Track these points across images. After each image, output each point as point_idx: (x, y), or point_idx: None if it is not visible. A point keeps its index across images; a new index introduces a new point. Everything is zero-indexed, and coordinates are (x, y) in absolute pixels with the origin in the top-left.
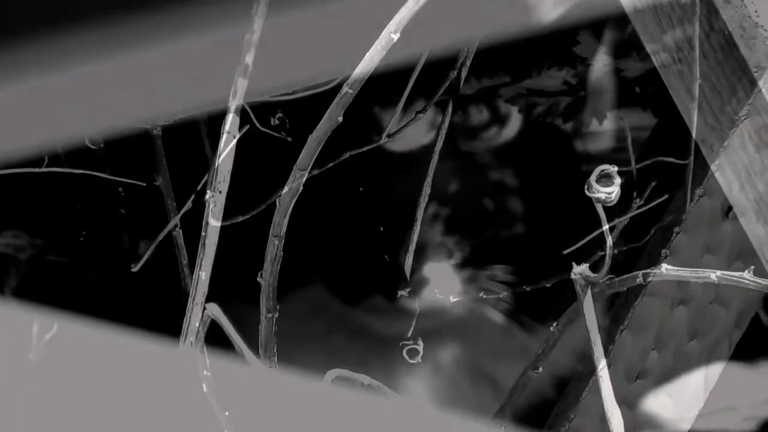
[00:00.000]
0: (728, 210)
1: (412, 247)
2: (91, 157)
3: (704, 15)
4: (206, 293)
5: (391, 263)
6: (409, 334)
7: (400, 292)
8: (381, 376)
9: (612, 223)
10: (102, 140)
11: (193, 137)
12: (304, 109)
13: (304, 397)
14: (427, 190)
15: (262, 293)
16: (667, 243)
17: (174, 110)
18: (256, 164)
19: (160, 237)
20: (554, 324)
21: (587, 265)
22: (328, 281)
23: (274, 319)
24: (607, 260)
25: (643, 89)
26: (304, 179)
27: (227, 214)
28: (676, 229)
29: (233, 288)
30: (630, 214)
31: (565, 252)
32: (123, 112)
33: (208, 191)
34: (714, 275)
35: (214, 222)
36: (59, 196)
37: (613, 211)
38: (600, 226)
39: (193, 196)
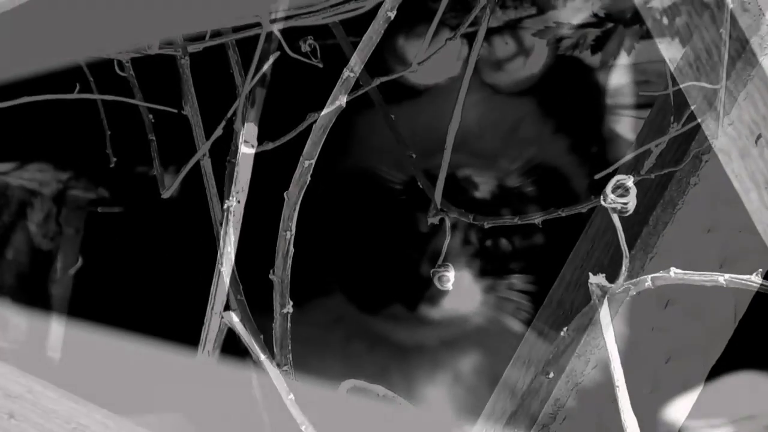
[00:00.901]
0: (758, 137)
1: (443, 174)
2: (121, 84)
3: (722, 23)
4: (224, 301)
5: (412, 273)
6: (440, 261)
7: (429, 220)
8: (401, 384)
9: (649, 145)
10: (131, 67)
11: (222, 64)
12: (335, 35)
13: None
14: (457, 116)
15: (274, 290)
16: (696, 171)
17: (202, 35)
18: (287, 90)
19: (189, 165)
20: (565, 329)
21: (603, 275)
22: (348, 290)
23: (289, 316)
24: (624, 269)
25: (670, 20)
26: (311, 171)
27: (257, 141)
28: (705, 157)
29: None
30: (667, 137)
31: (597, 176)
32: (151, 33)
33: (226, 201)
34: (722, 278)
35: (233, 232)
36: (88, 124)
37: (653, 134)
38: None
39: (223, 123)
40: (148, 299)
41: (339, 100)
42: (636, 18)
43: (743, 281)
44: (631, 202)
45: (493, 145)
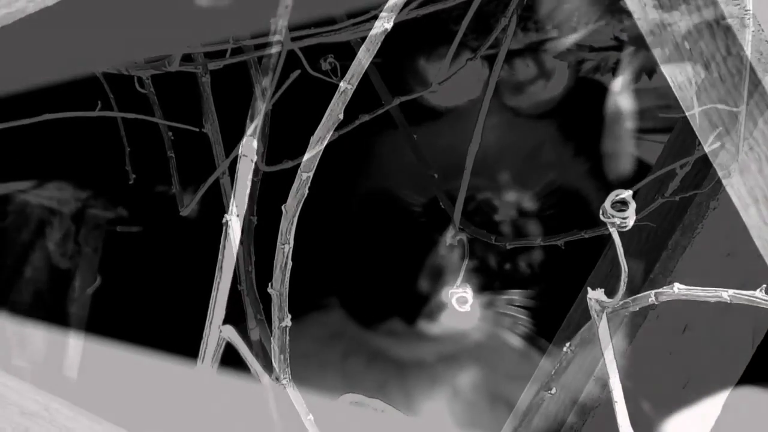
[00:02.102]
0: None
1: (462, 195)
2: (141, 101)
3: (721, 38)
4: (223, 316)
5: (410, 288)
6: (458, 282)
7: (449, 240)
8: (399, 399)
9: (672, 166)
10: (151, 84)
11: (243, 81)
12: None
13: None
14: (477, 138)
15: (273, 304)
16: (717, 195)
17: (223, 52)
18: (307, 109)
19: (208, 183)
20: (567, 344)
21: (602, 290)
22: (347, 304)
23: (287, 329)
24: (622, 285)
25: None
26: (309, 183)
27: (276, 160)
28: (726, 181)
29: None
30: (693, 157)
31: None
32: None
33: (225, 215)
34: (726, 294)
35: (231, 246)
36: (108, 141)
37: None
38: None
39: (243, 141)
40: (166, 318)
41: (336, 112)
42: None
43: (747, 297)
44: (630, 216)
45: (514, 167)
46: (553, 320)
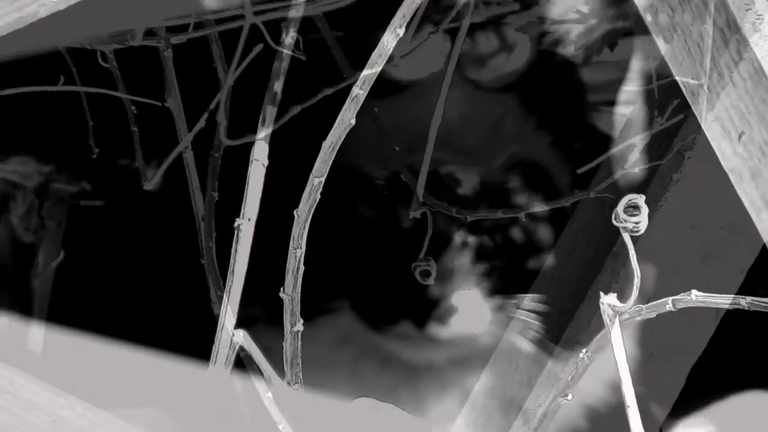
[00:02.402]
0: (740, 135)
1: (425, 169)
2: (104, 76)
3: (733, 43)
4: (235, 320)
5: (421, 291)
6: (422, 255)
7: (411, 213)
8: (410, 403)
9: (633, 139)
10: (114, 58)
11: (205, 57)
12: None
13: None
14: (440, 111)
15: (285, 308)
16: (679, 167)
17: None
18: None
19: (171, 157)
20: (584, 350)
21: (615, 294)
22: (357, 307)
23: (299, 334)
24: (635, 289)
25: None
26: (321, 188)
27: (240, 134)
28: (688, 153)
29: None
30: (652, 131)
31: (579, 171)
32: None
33: (237, 219)
34: (744, 301)
35: (243, 250)
36: (71, 116)
37: (635, 130)
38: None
39: (206, 115)
40: (129, 292)
41: (348, 117)
42: (619, 14)
43: (764, 304)
44: (642, 221)
45: (476, 140)
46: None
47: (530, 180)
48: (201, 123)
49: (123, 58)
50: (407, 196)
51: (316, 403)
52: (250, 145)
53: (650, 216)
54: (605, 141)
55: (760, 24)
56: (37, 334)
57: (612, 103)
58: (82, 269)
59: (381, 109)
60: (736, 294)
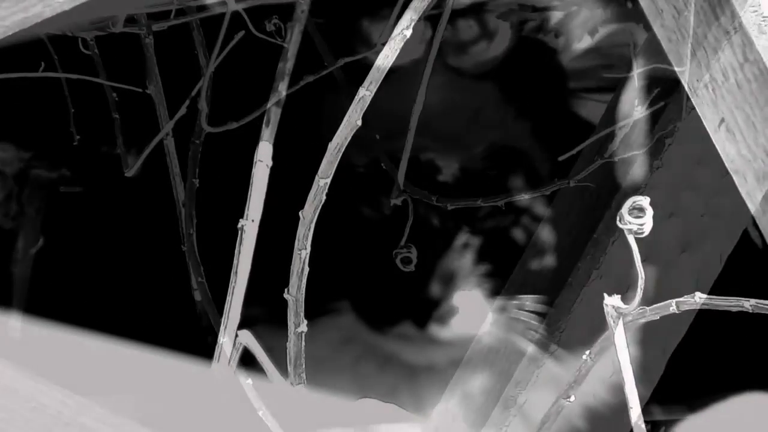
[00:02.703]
0: (721, 122)
1: (405, 156)
2: (85, 63)
3: (738, 45)
4: (239, 321)
5: (421, 292)
6: (403, 242)
7: (393, 201)
8: (410, 404)
9: (613, 127)
10: (95, 45)
11: (186, 44)
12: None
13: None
14: (421, 98)
15: (289, 309)
16: (659, 154)
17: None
18: (251, 70)
19: (153, 144)
20: (587, 352)
21: (619, 296)
22: (359, 307)
23: (303, 335)
24: (639, 291)
25: (634, 3)
26: (326, 189)
27: (220, 122)
28: (668, 141)
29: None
30: (631, 119)
31: (561, 158)
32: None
33: (241, 220)
34: (748, 304)
35: (246, 251)
36: (52, 102)
37: (615, 118)
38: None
39: (187, 102)
40: (109, 279)
41: (354, 118)
42: (600, 1)
43: None
44: (647, 223)
45: (456, 128)
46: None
47: (510, 168)
48: (182, 110)
49: (104, 44)
50: (388, 184)
51: (320, 403)
52: (231, 131)
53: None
54: (586, 128)
55: (765, 26)
56: (15, 320)
57: (592, 90)
58: (62, 255)
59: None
60: (715, 285)
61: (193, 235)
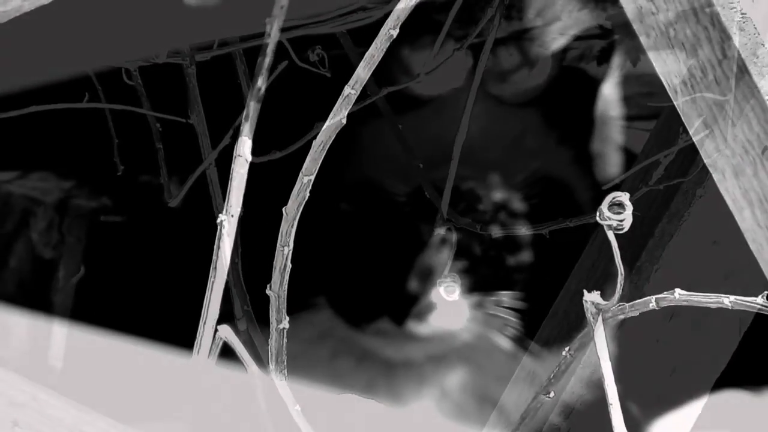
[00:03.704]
0: (764, 150)
1: (449, 185)
2: (129, 93)
3: (716, 41)
4: (217, 316)
5: (399, 288)
6: (446, 271)
7: (437, 230)
8: (387, 400)
9: (658, 156)
10: (138, 75)
11: (229, 73)
12: (342, 45)
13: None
14: (464, 127)
15: (271, 305)
16: (703, 183)
17: (210, 44)
18: (295, 99)
19: (197, 174)
20: (566, 348)
21: (598, 292)
22: (336, 304)
23: (285, 331)
24: (619, 287)
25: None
26: (310, 187)
27: (263, 151)
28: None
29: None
30: (676, 147)
31: (605, 187)
32: (158, 45)
33: (219, 215)
34: (727, 300)
35: (226, 245)
36: (96, 133)
37: (658, 146)
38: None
39: (230, 132)
40: (150, 308)
41: (339, 116)
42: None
43: (748, 303)
44: (627, 219)
45: (497, 156)
46: (540, 320)
47: (551, 196)
48: (226, 140)
49: (148, 75)
50: (426, 212)
51: (303, 398)
52: (275, 162)
53: (673, 232)
54: (628, 156)
55: (744, 23)
56: (57, 349)
57: (634, 118)
58: (103, 285)
59: (403, 124)
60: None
61: (239, 264)
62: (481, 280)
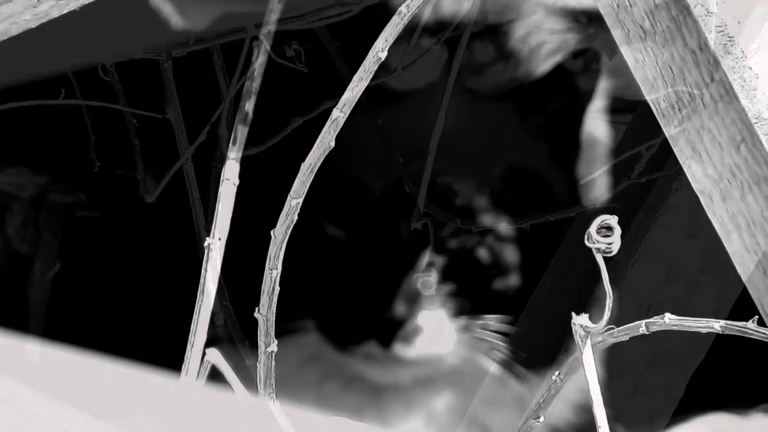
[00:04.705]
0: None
1: (426, 179)
2: (105, 89)
3: (704, 65)
4: (205, 339)
5: (385, 311)
6: (423, 265)
7: (413, 224)
8: (375, 423)
9: (639, 148)
10: (114, 71)
11: (206, 69)
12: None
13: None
14: (441, 122)
15: (259, 328)
16: (679, 175)
17: (186, 40)
18: (271, 95)
19: (174, 169)
20: (556, 373)
21: (587, 315)
22: (323, 327)
23: (273, 354)
24: (607, 310)
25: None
26: (298, 210)
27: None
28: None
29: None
30: (659, 140)
31: (583, 181)
32: (135, 41)
33: (207, 238)
34: (718, 325)
35: (212, 272)
36: (72, 129)
37: (635, 140)
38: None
39: (207, 128)
40: (127, 303)
41: (327, 140)
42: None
43: (739, 327)
44: (615, 242)
45: (473, 150)
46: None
47: (527, 190)
48: (203, 136)
49: (124, 70)
50: (404, 206)
51: (294, 420)
52: (250, 156)
53: (650, 225)
54: (603, 150)
55: (731, 46)
56: (33, 345)
57: (612, 111)
58: (79, 280)
59: (379, 118)
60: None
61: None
62: (468, 304)
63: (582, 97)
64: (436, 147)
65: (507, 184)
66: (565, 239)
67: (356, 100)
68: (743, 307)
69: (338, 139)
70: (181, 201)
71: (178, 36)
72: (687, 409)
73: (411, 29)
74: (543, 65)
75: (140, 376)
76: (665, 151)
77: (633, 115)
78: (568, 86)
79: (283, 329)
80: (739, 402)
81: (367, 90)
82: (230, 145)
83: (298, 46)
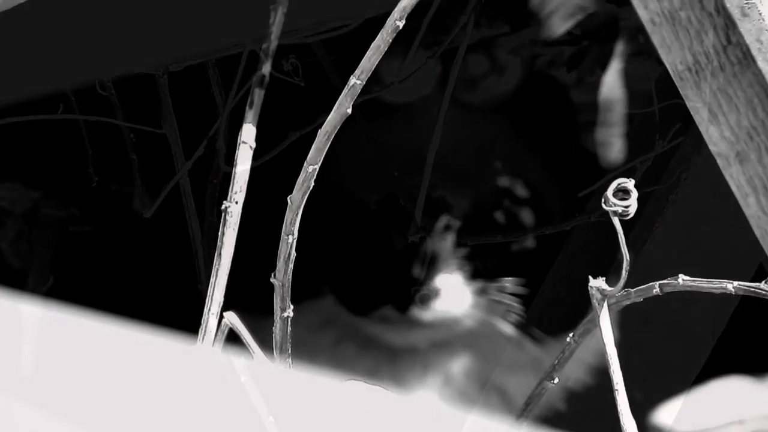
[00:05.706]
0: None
1: (423, 193)
2: (102, 104)
3: (721, 28)
4: (222, 303)
5: (403, 274)
6: (421, 278)
7: (411, 238)
8: (391, 386)
9: (635, 161)
10: (112, 87)
11: (203, 84)
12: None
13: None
14: (437, 136)
15: (275, 294)
16: (675, 188)
17: (183, 55)
18: (269, 109)
19: (171, 184)
20: (571, 335)
21: (603, 278)
22: (339, 292)
23: (289, 319)
24: (624, 273)
25: (646, 38)
26: (315, 176)
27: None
28: (684, 176)
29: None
30: (653, 153)
31: (581, 194)
32: (132, 56)
33: (225, 201)
34: (731, 286)
35: (230, 233)
36: (70, 144)
37: (634, 152)
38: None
39: (205, 142)
40: (122, 318)
41: (344, 107)
42: (611, 36)
43: (752, 288)
44: (632, 205)
45: (467, 163)
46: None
47: (522, 203)
48: (200, 150)
49: (121, 85)
50: (400, 220)
51: (308, 384)
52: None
53: (646, 238)
54: (598, 163)
55: (748, 9)
56: (28, 359)
57: (605, 124)
58: (73, 295)
59: (373, 131)
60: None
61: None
62: (483, 266)
63: (576, 110)
64: (432, 161)
65: (501, 196)
66: (561, 254)
67: (372, 69)
68: (740, 319)
69: (331, 151)
70: (176, 215)
71: (174, 51)
72: (706, 375)
73: (407, 43)
74: (561, 27)
75: (135, 390)
76: (662, 164)
77: (629, 128)
78: (562, 99)
79: (298, 293)
80: (757, 367)
81: (362, 104)
82: (247, 108)
83: (295, 60)
